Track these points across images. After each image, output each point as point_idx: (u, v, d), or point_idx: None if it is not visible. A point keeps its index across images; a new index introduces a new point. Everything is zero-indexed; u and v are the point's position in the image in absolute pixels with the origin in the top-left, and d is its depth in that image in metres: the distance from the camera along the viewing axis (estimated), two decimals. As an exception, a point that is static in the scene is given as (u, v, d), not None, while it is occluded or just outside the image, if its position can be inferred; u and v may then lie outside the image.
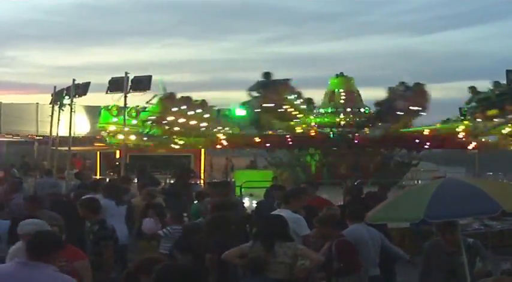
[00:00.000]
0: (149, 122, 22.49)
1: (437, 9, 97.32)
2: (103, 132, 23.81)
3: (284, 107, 24.41)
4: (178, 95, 22.65)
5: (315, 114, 26.23)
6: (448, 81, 78.29)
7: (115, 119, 20.98)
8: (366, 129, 25.07)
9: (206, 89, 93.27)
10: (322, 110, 26.16)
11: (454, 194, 6.02)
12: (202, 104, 23.42)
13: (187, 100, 22.69)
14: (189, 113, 22.56)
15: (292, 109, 24.97)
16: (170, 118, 22.39)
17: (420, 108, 24.95)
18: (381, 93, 25.62)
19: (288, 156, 26.56)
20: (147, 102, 22.34)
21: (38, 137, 31.16)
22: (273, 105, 23.95)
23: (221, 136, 24.61)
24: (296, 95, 25.22)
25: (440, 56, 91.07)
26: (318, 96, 27.47)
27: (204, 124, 23.77)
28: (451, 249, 6.29)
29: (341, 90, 26.19)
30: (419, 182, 23.06)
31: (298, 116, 25.48)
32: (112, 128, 22.17)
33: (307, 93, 26.64)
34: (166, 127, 22.93)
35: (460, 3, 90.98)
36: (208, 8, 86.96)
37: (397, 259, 8.22)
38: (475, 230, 12.53)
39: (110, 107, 21.67)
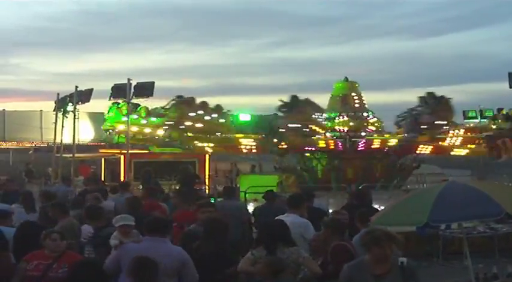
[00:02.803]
0: (165, 127, 22.51)
1: (439, 12, 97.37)
2: (109, 131, 23.50)
3: (309, 126, 24.96)
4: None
5: (323, 119, 26.27)
6: (451, 84, 78.18)
7: (125, 119, 20.71)
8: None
9: (208, 94, 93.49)
10: (329, 115, 26.19)
11: (457, 197, 5.99)
12: (217, 109, 23.68)
13: (203, 105, 22.96)
14: (205, 117, 22.86)
15: (317, 127, 25.48)
16: (188, 123, 22.53)
17: (445, 122, 25.32)
18: (383, 97, 25.96)
19: (294, 160, 26.50)
20: (162, 107, 22.35)
21: (35, 146, 31.17)
22: (299, 125, 24.47)
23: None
24: (321, 113, 25.86)
25: (443, 59, 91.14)
26: (320, 100, 27.46)
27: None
28: (379, 272, 5.37)
29: (346, 94, 26.28)
30: (425, 185, 23.00)
31: (321, 132, 25.93)
32: (121, 127, 22.04)
33: (310, 98, 26.75)
34: (183, 132, 23.10)
35: (462, 6, 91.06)
36: (210, 13, 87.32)
37: None
38: (481, 233, 12.49)
39: (119, 105, 21.53)
